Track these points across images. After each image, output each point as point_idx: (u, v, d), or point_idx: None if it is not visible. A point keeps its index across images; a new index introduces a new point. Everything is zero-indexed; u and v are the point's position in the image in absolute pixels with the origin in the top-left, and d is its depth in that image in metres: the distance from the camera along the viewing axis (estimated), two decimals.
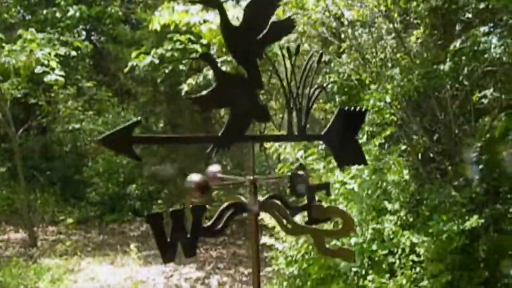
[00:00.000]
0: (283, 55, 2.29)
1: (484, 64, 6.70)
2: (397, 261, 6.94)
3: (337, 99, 10.77)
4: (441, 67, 6.78)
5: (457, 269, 7.16)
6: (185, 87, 9.78)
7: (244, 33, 2.13)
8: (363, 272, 6.56)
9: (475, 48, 6.38)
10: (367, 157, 7.10)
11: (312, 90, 2.32)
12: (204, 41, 10.05)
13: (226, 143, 2.17)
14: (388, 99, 6.72)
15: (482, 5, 7.84)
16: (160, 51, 10.25)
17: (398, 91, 7.29)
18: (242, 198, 2.24)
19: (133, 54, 10.26)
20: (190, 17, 9.44)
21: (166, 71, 10.46)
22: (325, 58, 11.12)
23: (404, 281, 6.72)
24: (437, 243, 6.79)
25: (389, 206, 7.00)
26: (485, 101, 7.46)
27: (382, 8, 9.33)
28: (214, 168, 2.28)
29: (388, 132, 6.69)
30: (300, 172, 2.20)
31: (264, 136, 2.27)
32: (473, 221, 6.81)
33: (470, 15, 8.21)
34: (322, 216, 2.10)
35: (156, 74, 10.81)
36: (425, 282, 6.79)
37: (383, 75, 9.04)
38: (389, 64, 8.04)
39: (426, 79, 6.85)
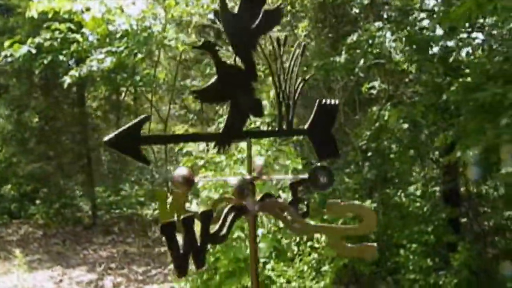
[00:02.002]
0: (273, 47, 2.19)
1: (375, 57, 7.03)
2: (296, 249, 7.13)
3: None
4: (337, 59, 7.01)
5: None
6: (67, 79, 9.15)
7: (241, 22, 2.01)
8: (271, 261, 6.64)
9: (370, 42, 6.66)
10: (258, 148, 7.17)
11: (296, 83, 2.25)
12: (86, 30, 9.47)
13: (227, 140, 2.04)
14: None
15: (366, 1, 8.27)
16: (37, 40, 9.48)
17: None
18: (232, 198, 2.11)
19: (7, 43, 9.37)
20: (72, 4, 8.85)
21: (45, 61, 9.71)
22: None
23: (305, 268, 6.89)
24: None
25: (283, 196, 7.10)
26: (374, 91, 7.87)
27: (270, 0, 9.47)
28: (183, 171, 2.09)
29: None
30: (324, 165, 2.11)
31: (258, 132, 2.15)
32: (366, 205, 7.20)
33: (357, 10, 8.59)
34: (338, 213, 2.05)
35: (33, 65, 10.00)
36: (326, 267, 7.01)
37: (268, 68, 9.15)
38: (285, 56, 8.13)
39: (324, 71, 7.05)
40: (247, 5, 2.01)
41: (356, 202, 1.79)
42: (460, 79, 6.53)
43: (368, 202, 7.31)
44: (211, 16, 10.82)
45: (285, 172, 7.47)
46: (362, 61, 6.88)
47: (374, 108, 8.48)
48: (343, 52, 7.01)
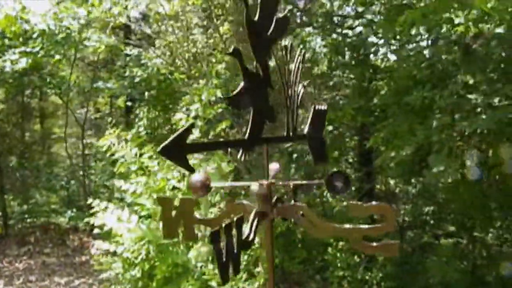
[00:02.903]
0: (283, 54, 2.22)
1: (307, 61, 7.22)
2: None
3: (146, 94, 10.61)
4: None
5: (281, 251, 7.68)
6: None
7: (259, 29, 2.02)
8: (209, 266, 6.64)
9: (301, 46, 6.84)
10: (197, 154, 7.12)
11: (298, 89, 2.29)
12: None
13: (251, 146, 2.03)
14: (219, 94, 6.82)
15: (289, 6, 8.48)
16: None
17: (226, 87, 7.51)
18: (245, 203, 2.11)
19: None
20: None
21: None
22: (135, 51, 10.86)
23: None
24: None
25: (210, 198, 7.08)
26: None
27: (190, 2, 9.48)
28: (275, 166, 2.15)
29: (223, 126, 6.82)
30: (339, 170, 2.14)
31: (272, 138, 2.10)
32: None
33: (280, 15, 8.74)
34: (360, 213, 2.10)
35: None
36: (259, 268, 7.11)
37: (198, 70, 9.18)
38: (213, 60, 8.17)
39: None
40: (263, 12, 2.03)
41: (375, 202, 1.85)
42: (381, 82, 6.87)
43: None
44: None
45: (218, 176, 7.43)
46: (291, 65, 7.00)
47: (300, 111, 8.64)
48: (273, 56, 7.11)
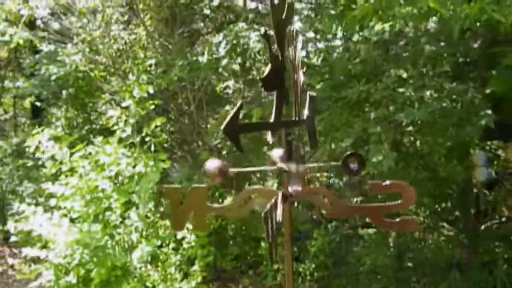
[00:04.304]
0: (289, 41, 2.20)
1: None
2: (159, 252, 7.03)
3: (64, 92, 10.14)
4: (200, 59, 7.08)
5: (214, 249, 7.69)
6: None
7: (278, 14, 2.00)
8: (148, 266, 6.54)
9: (235, 42, 6.84)
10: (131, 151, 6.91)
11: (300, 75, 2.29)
12: None
13: (277, 128, 2.02)
14: (151, 90, 6.67)
15: (216, 3, 8.48)
16: None
17: (159, 83, 7.39)
18: (256, 187, 2.10)
19: None
20: None
21: None
22: (50, 47, 10.36)
23: (172, 269, 6.84)
24: None
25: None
26: (229, 91, 8.10)
27: None
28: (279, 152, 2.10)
29: (158, 123, 6.68)
30: (355, 152, 2.16)
31: (285, 122, 2.05)
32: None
33: (207, 11, 8.73)
34: (381, 191, 2.13)
35: None
36: (195, 267, 7.07)
37: (125, 67, 8.93)
38: (140, 55, 7.98)
39: (189, 70, 7.06)
40: None
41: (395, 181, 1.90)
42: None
43: (229, 199, 7.59)
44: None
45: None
46: (225, 61, 7.01)
47: (227, 108, 8.65)
48: (206, 52, 7.09)
